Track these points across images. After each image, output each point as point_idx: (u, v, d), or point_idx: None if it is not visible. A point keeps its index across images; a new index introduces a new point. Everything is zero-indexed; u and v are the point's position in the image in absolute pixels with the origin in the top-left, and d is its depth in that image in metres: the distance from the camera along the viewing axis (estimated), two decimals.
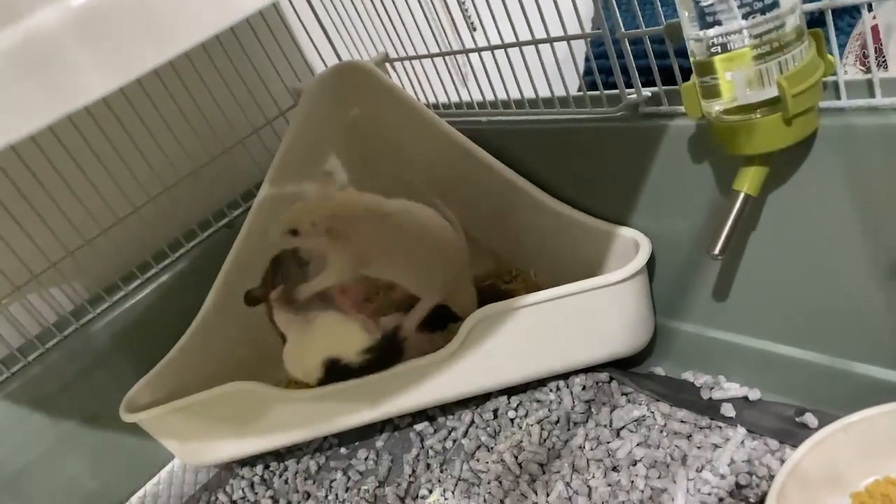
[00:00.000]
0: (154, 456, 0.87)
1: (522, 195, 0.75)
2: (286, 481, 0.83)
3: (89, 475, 0.82)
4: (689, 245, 0.63)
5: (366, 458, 0.80)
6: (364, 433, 0.83)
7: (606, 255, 0.71)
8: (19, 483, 0.77)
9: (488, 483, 0.69)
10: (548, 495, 0.65)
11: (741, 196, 0.51)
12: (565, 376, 0.74)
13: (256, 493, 0.83)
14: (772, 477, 0.57)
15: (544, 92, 0.70)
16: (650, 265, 0.67)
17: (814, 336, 0.59)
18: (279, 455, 0.86)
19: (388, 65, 0.88)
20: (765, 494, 0.56)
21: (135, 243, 0.87)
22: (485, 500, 0.68)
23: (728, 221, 0.52)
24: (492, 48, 0.72)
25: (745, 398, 0.65)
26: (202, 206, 0.91)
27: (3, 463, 0.76)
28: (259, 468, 0.86)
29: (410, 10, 0.78)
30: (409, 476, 0.75)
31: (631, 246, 0.67)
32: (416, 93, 0.87)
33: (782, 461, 0.58)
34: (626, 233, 0.67)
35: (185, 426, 0.78)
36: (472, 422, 0.77)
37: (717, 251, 0.52)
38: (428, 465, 0.75)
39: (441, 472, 0.73)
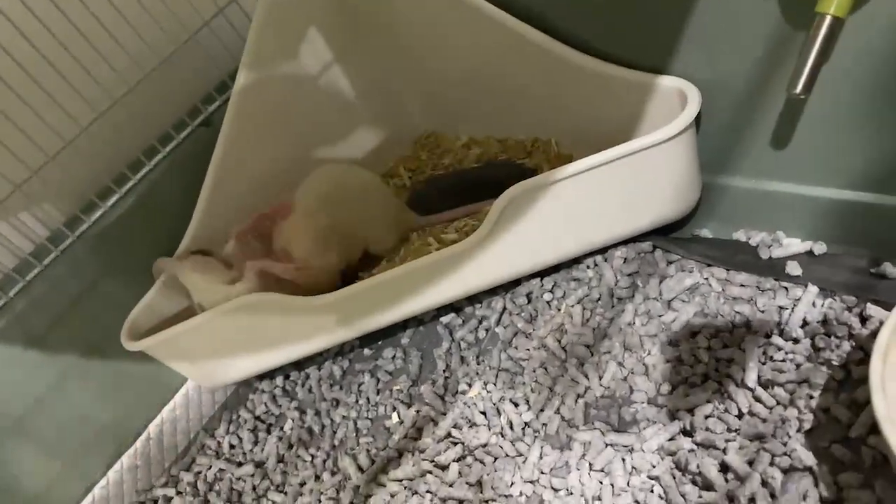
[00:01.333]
0: (166, 380, 0.81)
1: (539, 52, 0.66)
2: (310, 390, 0.79)
3: (100, 408, 0.76)
4: (743, 89, 0.55)
5: (393, 357, 0.75)
6: (387, 332, 0.77)
7: (643, 112, 0.63)
8: (27, 425, 0.71)
9: (533, 371, 0.64)
10: (601, 378, 0.61)
11: (827, 20, 0.43)
12: (603, 250, 0.68)
13: (280, 406, 0.79)
14: (852, 336, 0.53)
15: None
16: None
17: (894, 179, 0.53)
18: (298, 364, 0.81)
19: None
20: (848, 355, 0.52)
21: (106, 154, 0.77)
22: (531, 388, 0.63)
23: (812, 52, 0.44)
24: None
25: (810, 252, 0.59)
26: (174, 106, 0.81)
27: (6, 406, 0.70)
28: (279, 380, 0.81)
29: None
30: (444, 371, 0.70)
31: (674, 97, 0.59)
32: None
33: (863, 318, 0.53)
34: (667, 82, 0.59)
35: (198, 347, 0.72)
36: (505, 308, 0.71)
37: (799, 89, 0.45)
38: (462, 359, 0.70)
39: (478, 364, 0.68)
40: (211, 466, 0.76)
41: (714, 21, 0.53)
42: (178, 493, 0.76)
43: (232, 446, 0.78)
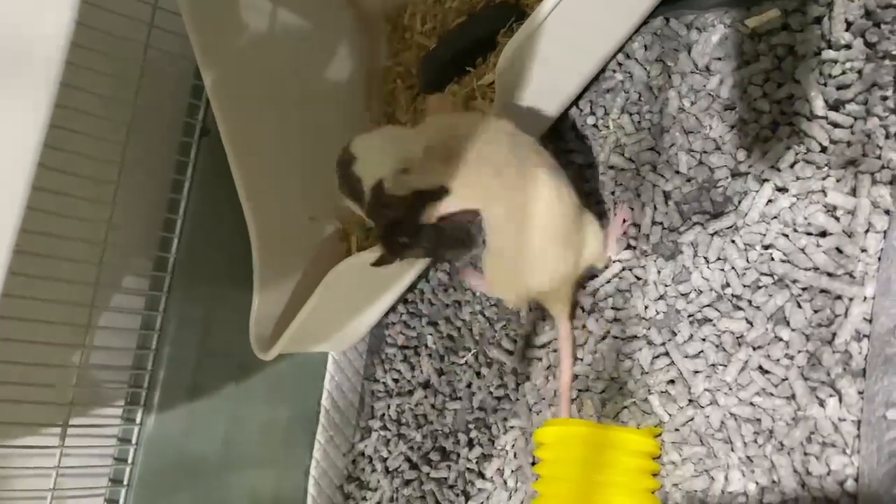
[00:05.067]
0: (312, 358, 0.88)
1: None
2: (430, 303, 0.83)
3: (275, 410, 0.84)
4: None
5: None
6: None
7: None
8: (231, 455, 0.80)
9: (612, 194, 0.64)
10: (677, 172, 0.60)
11: None
12: (619, 49, 0.65)
13: (414, 328, 0.83)
14: None
15: None
16: None
17: None
18: (410, 286, 0.85)
19: None
20: None
21: (141, 209, 0.80)
22: (616, 203, 0.63)
23: None
24: None
25: None
26: (168, 133, 0.81)
27: (208, 448, 0.79)
28: (401, 307, 0.86)
29: None
30: None
31: None
32: None
33: None
34: None
35: (321, 326, 0.76)
36: (557, 148, 0.70)
37: None
38: None
39: None
40: (389, 406, 0.83)
41: None
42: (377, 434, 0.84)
43: (395, 380, 0.84)
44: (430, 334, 0.81)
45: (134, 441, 0.77)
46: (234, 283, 0.81)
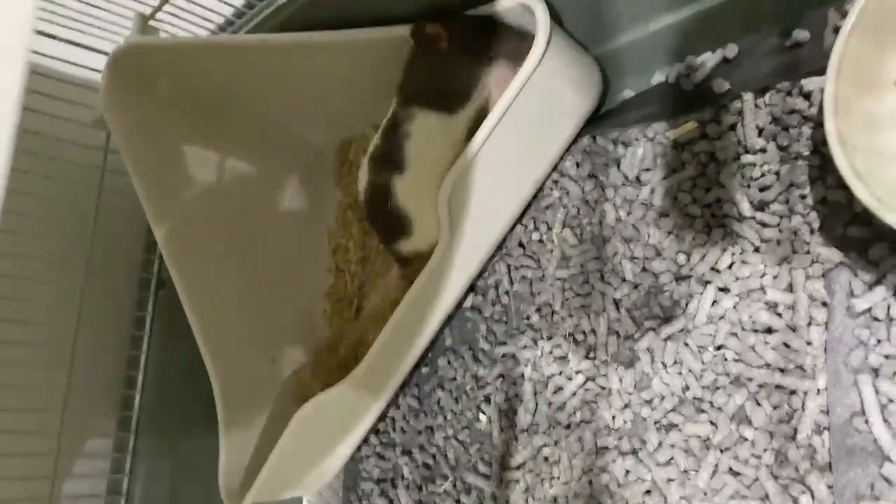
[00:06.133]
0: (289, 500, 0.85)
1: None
2: (402, 430, 0.81)
3: None
4: None
5: (448, 363, 0.77)
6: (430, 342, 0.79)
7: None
8: None
9: (563, 303, 0.66)
10: (623, 279, 0.62)
11: None
12: (553, 169, 0.68)
13: (388, 459, 0.82)
14: (806, 118, 0.52)
15: None
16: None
17: None
18: (380, 416, 0.84)
19: (151, 24, 0.73)
20: (812, 137, 0.52)
21: (102, 378, 0.79)
22: (571, 314, 0.64)
23: None
24: None
25: (725, 60, 0.58)
26: (125, 287, 0.81)
27: None
28: (373, 438, 0.84)
29: None
30: (494, 342, 0.72)
31: (522, 13, 0.57)
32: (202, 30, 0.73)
33: (805, 95, 0.53)
34: (506, 2, 0.57)
35: (291, 471, 0.75)
36: (508, 267, 0.72)
37: None
38: (504, 322, 0.71)
39: (518, 320, 0.70)
40: None
41: None
42: None
43: None
44: (406, 464, 0.79)
45: None
46: (200, 430, 0.80)
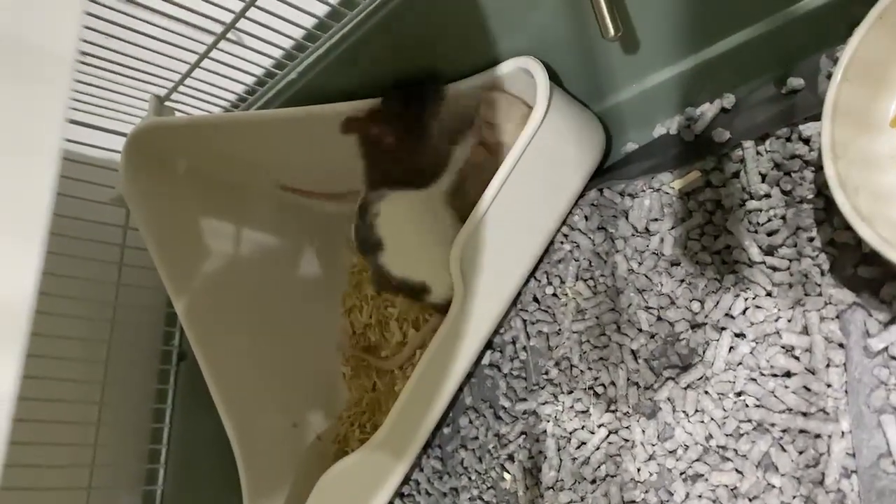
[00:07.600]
0: None
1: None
2: (427, 493, 0.81)
3: None
4: (570, 30, 0.56)
5: (470, 422, 0.77)
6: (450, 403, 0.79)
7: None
8: None
9: (581, 357, 0.66)
10: (640, 329, 0.62)
11: None
12: (562, 223, 0.69)
13: None
14: (807, 162, 0.53)
15: None
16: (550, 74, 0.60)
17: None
18: (404, 480, 0.83)
19: (167, 104, 0.76)
20: (815, 180, 0.52)
21: (127, 447, 0.79)
22: (590, 367, 0.64)
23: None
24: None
25: (724, 110, 0.60)
26: (148, 363, 0.82)
27: None
28: (397, 502, 0.83)
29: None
30: (514, 398, 0.72)
31: (522, 76, 0.59)
32: (215, 108, 0.76)
33: (804, 140, 0.54)
34: (506, 67, 0.59)
35: None
36: (524, 322, 0.72)
37: (612, 34, 0.45)
38: (523, 378, 0.71)
39: (537, 376, 0.70)
40: None
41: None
42: None
43: None
44: None
45: None
46: (224, 502, 0.79)
